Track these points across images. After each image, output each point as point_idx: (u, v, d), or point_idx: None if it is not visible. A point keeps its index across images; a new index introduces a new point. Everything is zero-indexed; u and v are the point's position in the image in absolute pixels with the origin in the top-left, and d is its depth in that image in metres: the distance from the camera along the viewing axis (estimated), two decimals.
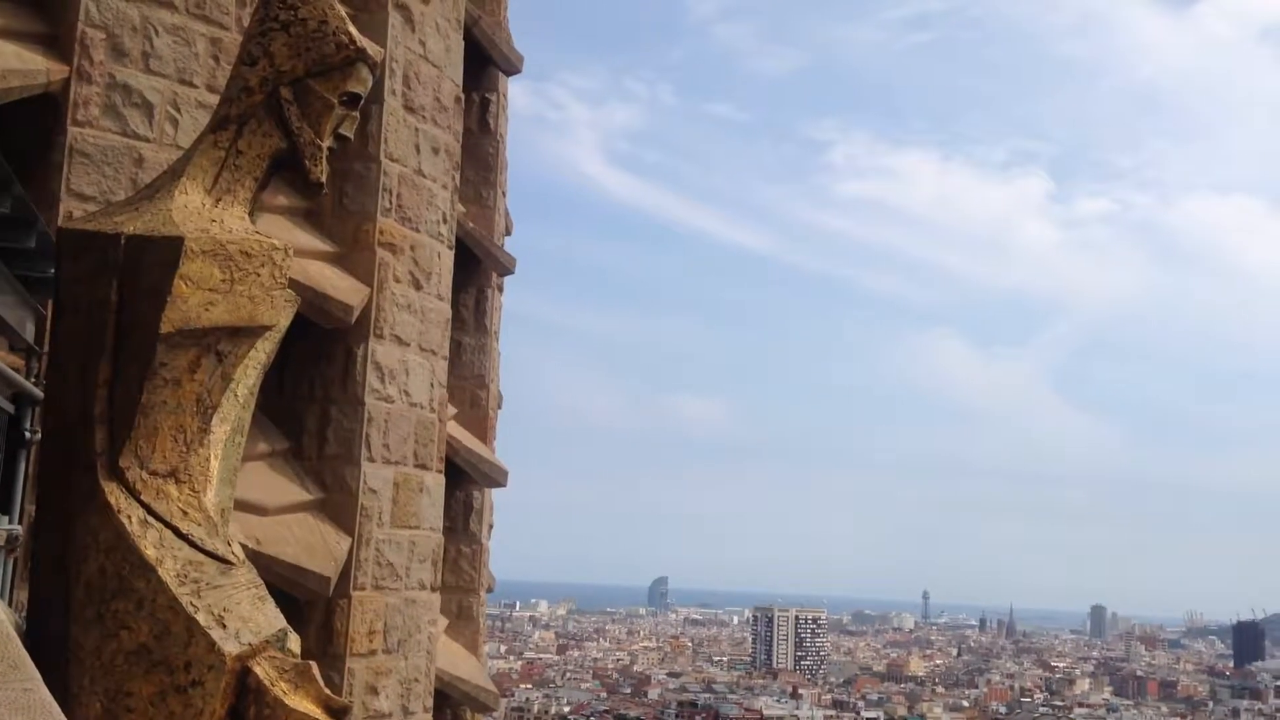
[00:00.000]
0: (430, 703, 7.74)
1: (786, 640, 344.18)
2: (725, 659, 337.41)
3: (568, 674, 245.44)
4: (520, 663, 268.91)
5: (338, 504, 8.05)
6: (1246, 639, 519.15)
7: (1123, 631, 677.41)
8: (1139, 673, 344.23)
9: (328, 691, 3.85)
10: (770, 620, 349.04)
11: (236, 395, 4.26)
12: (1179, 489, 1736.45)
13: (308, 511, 7.96)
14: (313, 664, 3.86)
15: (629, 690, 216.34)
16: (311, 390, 8.35)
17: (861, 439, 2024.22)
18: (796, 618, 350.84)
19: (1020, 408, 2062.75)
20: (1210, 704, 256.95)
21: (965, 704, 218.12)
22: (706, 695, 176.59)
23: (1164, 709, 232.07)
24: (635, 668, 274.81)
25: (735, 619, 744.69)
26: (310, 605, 7.63)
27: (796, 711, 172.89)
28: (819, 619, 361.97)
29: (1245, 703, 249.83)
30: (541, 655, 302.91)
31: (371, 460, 8.08)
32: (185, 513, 4.01)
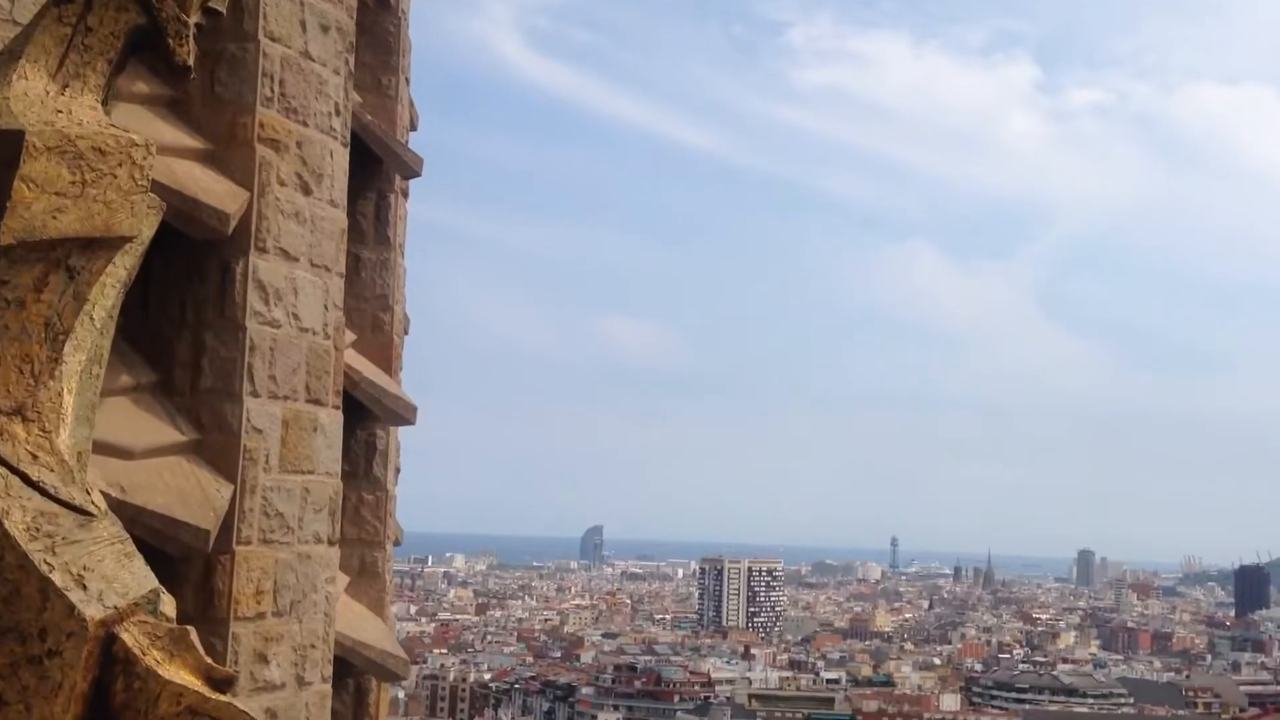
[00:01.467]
0: (329, 671, 7.81)
1: (738, 595, 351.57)
2: (668, 617, 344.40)
3: (488, 637, 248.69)
4: (434, 625, 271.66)
5: (216, 446, 7.98)
6: (1249, 585, 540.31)
7: (1112, 579, 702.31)
8: (1130, 624, 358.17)
9: (209, 660, 3.69)
10: (719, 573, 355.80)
11: (93, 319, 4.08)
12: (1178, 420, 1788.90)
13: (181, 455, 7.89)
14: (190, 629, 3.71)
15: (559, 654, 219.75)
16: (182, 313, 8.21)
17: (822, 368, 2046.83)
18: (749, 570, 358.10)
19: (1002, 331, 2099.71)
20: (1208, 657, 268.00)
21: (937, 661, 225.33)
22: (647, 658, 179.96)
23: (1157, 663, 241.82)
24: (566, 629, 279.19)
25: (680, 572, 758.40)
26: (186, 562, 7.61)
27: (749, 674, 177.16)
28: (774, 571, 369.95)
29: (1247, 655, 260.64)
30: (458, 616, 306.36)
31: (255, 395, 8.00)
32: (35, 456, 3.81)
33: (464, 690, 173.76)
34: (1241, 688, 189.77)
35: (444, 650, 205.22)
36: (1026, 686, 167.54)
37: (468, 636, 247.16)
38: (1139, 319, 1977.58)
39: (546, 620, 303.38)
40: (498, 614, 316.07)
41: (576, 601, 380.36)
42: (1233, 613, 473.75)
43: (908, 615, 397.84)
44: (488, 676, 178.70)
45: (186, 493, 7.68)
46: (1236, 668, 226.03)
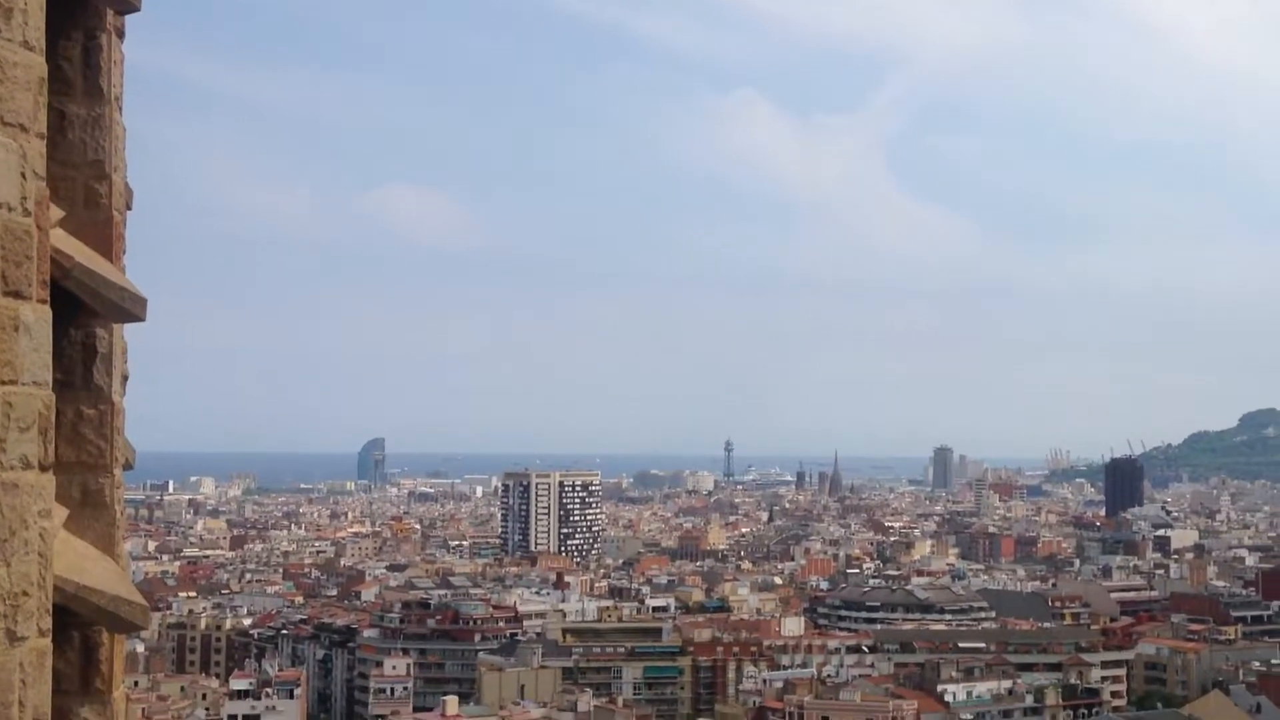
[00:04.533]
0: (48, 623, 7.64)
1: (548, 514, 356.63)
2: (466, 544, 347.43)
3: (248, 575, 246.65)
4: (179, 563, 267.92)
5: None
6: (1121, 480, 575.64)
7: (972, 479, 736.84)
8: (991, 529, 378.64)
9: None
10: (525, 490, 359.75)
11: None
12: (1045, 296, 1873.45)
13: None
14: None
15: (335, 592, 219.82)
16: None
17: (641, 244, 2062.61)
18: (561, 484, 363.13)
19: (847, 196, 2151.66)
20: (1077, 562, 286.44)
21: (778, 581, 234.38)
22: (442, 592, 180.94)
23: (1021, 572, 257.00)
24: (343, 562, 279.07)
25: (479, 490, 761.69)
26: None
27: (562, 605, 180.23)
28: (590, 485, 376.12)
29: (1118, 559, 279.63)
30: (209, 552, 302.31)
31: None
32: None
33: (219, 639, 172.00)
34: (1112, 595, 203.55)
35: (193, 593, 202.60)
36: (878, 604, 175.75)
37: (222, 576, 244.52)
38: (1004, 182, 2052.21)
39: (319, 553, 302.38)
40: (258, 548, 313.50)
41: (355, 529, 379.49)
42: (1103, 512, 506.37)
43: (744, 530, 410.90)
44: (248, 622, 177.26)
45: None
46: (1107, 573, 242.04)
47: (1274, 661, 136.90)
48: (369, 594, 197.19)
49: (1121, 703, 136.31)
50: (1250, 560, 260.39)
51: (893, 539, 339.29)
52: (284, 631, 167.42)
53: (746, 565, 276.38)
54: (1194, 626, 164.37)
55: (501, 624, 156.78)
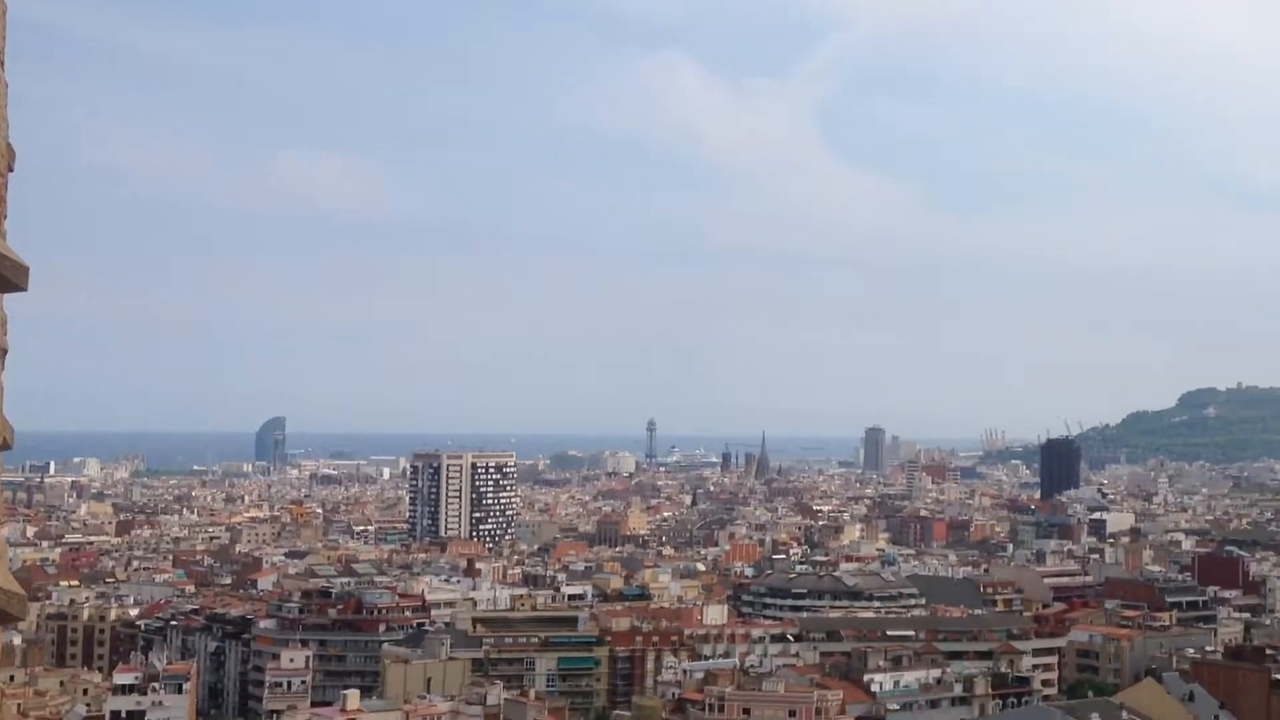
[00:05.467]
0: None
1: (459, 498, 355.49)
2: (371, 529, 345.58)
3: (135, 563, 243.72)
4: (60, 550, 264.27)
5: None
6: (1057, 462, 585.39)
7: (904, 460, 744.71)
8: (923, 512, 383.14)
9: None
10: (436, 471, 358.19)
11: None
12: (980, 267, 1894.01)
13: None
14: None
15: (229, 580, 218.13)
16: None
17: (563, 212, 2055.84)
18: (473, 466, 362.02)
19: (777, 162, 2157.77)
20: (1010, 547, 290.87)
21: (701, 567, 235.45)
22: (345, 580, 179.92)
23: (952, 557, 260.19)
24: (239, 548, 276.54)
25: (385, 473, 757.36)
26: None
27: (473, 593, 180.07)
28: (504, 466, 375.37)
29: (1052, 543, 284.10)
30: (93, 538, 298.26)
31: None
32: None
33: (103, 631, 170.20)
34: (1046, 580, 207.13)
35: (75, 582, 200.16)
36: (804, 591, 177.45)
37: (106, 563, 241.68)
38: (940, 150, 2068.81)
39: (213, 539, 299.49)
40: (146, 533, 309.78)
41: (252, 514, 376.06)
42: (1038, 494, 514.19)
43: (667, 514, 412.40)
44: (135, 613, 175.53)
45: None
46: (1041, 557, 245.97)
47: (1208, 649, 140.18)
48: (266, 582, 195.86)
49: (1052, 691, 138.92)
50: (1187, 545, 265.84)
51: (821, 523, 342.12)
52: (173, 622, 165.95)
53: (668, 551, 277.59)
54: (1128, 613, 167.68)
55: (408, 614, 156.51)
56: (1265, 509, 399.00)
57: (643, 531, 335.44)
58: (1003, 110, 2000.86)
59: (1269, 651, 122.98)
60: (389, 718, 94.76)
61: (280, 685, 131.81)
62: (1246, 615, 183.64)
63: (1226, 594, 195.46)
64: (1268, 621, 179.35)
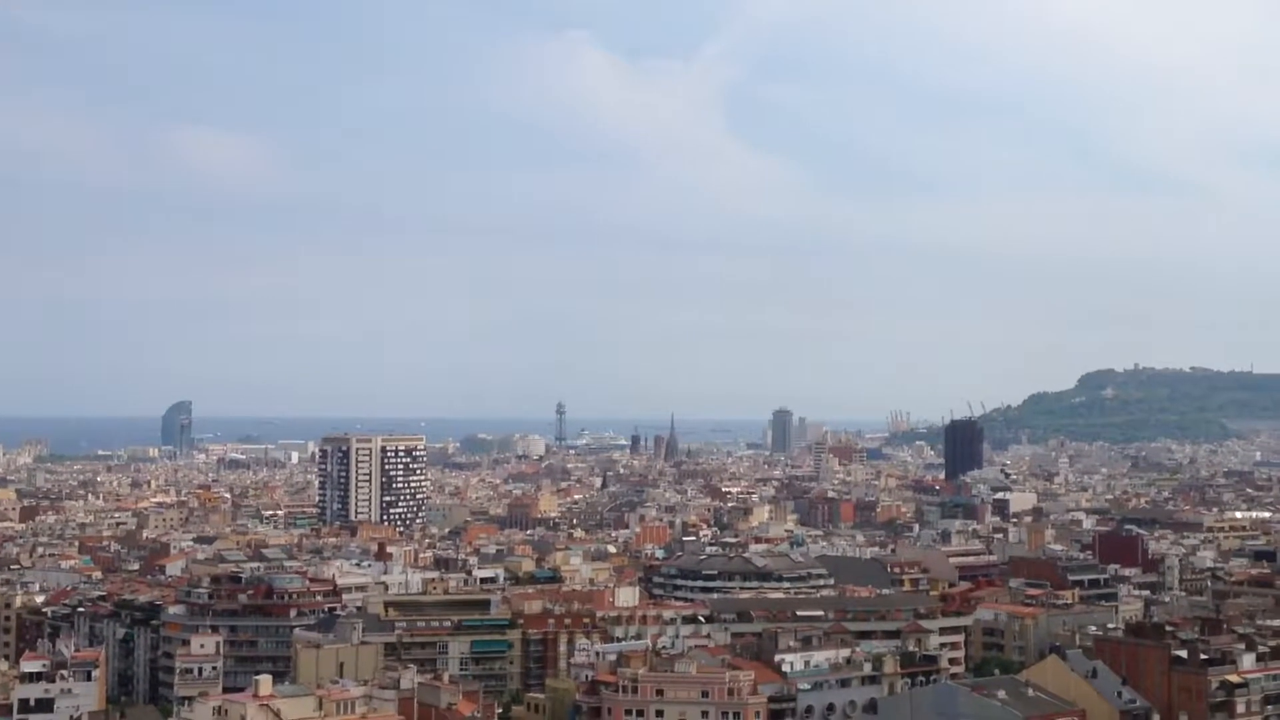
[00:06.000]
0: None
1: (369, 482, 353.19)
2: (281, 514, 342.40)
3: (40, 549, 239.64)
4: None
5: None
6: (961, 443, 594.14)
7: (812, 442, 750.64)
8: (830, 494, 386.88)
9: None
10: (345, 456, 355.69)
11: None
12: (884, 251, 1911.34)
13: None
14: None
15: (137, 566, 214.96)
16: None
17: (468, 194, 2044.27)
18: (383, 450, 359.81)
19: (682, 146, 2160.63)
20: (916, 527, 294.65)
21: (612, 549, 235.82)
22: (254, 565, 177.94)
23: (860, 537, 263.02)
24: (146, 534, 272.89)
25: (294, 457, 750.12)
26: None
27: (384, 577, 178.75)
28: (415, 450, 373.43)
29: (958, 523, 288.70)
30: None
31: None
32: None
33: (8, 618, 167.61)
34: (951, 560, 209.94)
35: None
36: (714, 573, 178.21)
37: (10, 549, 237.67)
38: (841, 134, 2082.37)
39: (119, 525, 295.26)
40: (51, 519, 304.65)
41: (159, 499, 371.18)
42: (943, 475, 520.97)
43: (577, 497, 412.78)
44: (40, 599, 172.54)
45: None
46: (946, 537, 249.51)
47: (1110, 626, 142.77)
48: (174, 568, 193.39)
49: (959, 669, 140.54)
50: (1088, 524, 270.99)
51: (730, 505, 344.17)
52: (80, 609, 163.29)
53: (579, 533, 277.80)
54: (1032, 591, 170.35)
55: (319, 598, 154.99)
56: (1163, 488, 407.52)
57: (553, 514, 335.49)
58: (906, 97, 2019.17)
59: (1168, 628, 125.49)
60: (302, 703, 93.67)
61: (190, 672, 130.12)
62: (1146, 593, 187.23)
63: (1126, 572, 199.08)
64: (1166, 599, 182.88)
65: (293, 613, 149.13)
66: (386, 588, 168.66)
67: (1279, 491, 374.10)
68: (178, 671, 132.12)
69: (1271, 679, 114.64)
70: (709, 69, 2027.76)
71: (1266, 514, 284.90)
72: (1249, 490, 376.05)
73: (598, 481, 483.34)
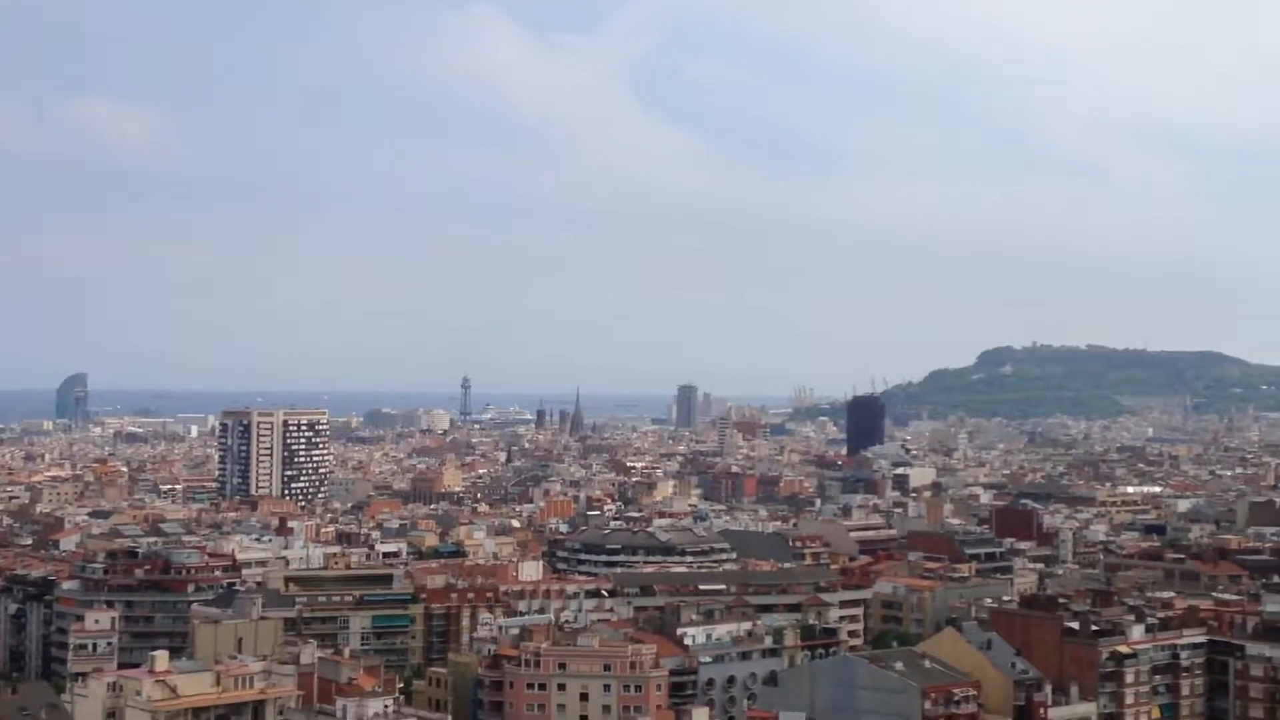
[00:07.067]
0: None
1: (270, 456, 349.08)
2: (179, 488, 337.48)
3: None
4: None
5: None
6: (863, 418, 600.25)
7: (716, 417, 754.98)
8: (734, 469, 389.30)
9: None
10: (246, 429, 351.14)
11: None
12: (790, 227, 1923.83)
13: None
14: None
15: (30, 541, 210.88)
16: None
17: (373, 167, 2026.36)
18: (285, 423, 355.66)
19: (589, 120, 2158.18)
20: (818, 502, 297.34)
21: (516, 524, 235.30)
22: (152, 540, 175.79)
23: (763, 512, 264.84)
24: (40, 508, 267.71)
25: (193, 430, 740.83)
26: None
27: (285, 552, 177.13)
28: (317, 424, 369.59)
29: (859, 497, 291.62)
30: None
31: None
32: None
33: None
34: (852, 534, 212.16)
35: None
36: (618, 547, 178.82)
37: None
38: (751, 109, 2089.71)
39: (12, 499, 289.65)
40: None
41: (53, 472, 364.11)
42: (845, 450, 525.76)
43: (482, 471, 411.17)
44: None
45: None
46: (847, 512, 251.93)
47: (1005, 598, 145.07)
48: (69, 543, 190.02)
49: (858, 641, 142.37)
50: (985, 498, 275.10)
51: (635, 480, 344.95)
52: None
53: (483, 508, 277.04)
54: (930, 565, 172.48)
55: (218, 573, 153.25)
56: (1058, 463, 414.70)
57: (458, 489, 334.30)
58: (815, 75, 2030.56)
59: (1061, 600, 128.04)
60: (199, 679, 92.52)
61: (85, 648, 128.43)
62: (1040, 565, 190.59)
63: (1022, 545, 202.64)
64: (1060, 571, 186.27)
65: (190, 588, 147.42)
66: (287, 563, 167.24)
67: (1169, 467, 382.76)
68: (72, 648, 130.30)
69: (1159, 650, 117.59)
70: (617, 43, 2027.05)
71: (1157, 489, 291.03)
72: (1141, 466, 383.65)
73: (502, 456, 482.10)
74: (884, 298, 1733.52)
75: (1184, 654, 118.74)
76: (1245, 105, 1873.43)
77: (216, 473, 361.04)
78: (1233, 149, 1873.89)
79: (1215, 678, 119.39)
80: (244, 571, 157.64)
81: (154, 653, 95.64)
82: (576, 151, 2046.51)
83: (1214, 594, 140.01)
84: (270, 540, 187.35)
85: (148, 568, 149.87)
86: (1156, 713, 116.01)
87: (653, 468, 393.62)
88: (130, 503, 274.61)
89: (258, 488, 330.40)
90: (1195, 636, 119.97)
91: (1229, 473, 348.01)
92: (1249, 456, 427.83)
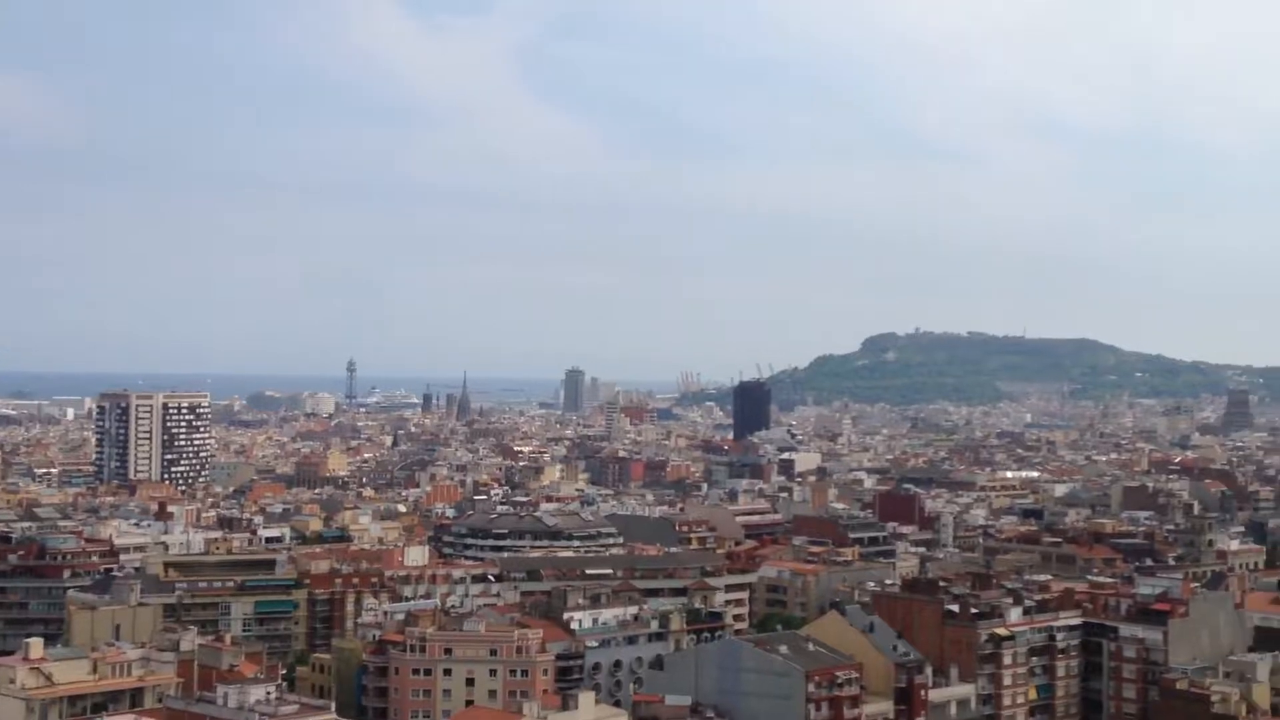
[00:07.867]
0: None
1: (149, 439, 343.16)
2: (55, 472, 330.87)
3: None
4: None
5: None
6: (749, 404, 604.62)
7: (604, 402, 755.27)
8: (621, 453, 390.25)
9: None
10: (124, 412, 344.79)
11: None
12: (680, 212, 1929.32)
13: None
14: None
15: None
16: None
17: (255, 147, 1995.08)
18: (165, 406, 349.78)
19: (475, 103, 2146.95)
20: (705, 487, 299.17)
21: (402, 509, 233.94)
22: (26, 525, 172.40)
23: (650, 496, 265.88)
24: None
25: (69, 413, 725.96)
26: None
27: (165, 537, 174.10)
28: (198, 407, 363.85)
29: (745, 482, 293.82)
30: None
31: None
32: None
33: None
34: (738, 518, 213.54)
35: None
36: (505, 532, 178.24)
37: None
38: (638, 94, 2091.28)
39: None
40: None
41: None
42: (732, 435, 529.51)
43: (367, 456, 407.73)
44: None
45: None
46: (733, 496, 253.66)
47: (888, 582, 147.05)
48: None
49: (743, 625, 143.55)
50: (869, 483, 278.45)
51: (522, 464, 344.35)
52: None
53: (369, 492, 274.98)
54: (814, 549, 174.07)
55: (95, 559, 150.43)
56: (939, 448, 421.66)
57: (342, 473, 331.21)
58: (701, 61, 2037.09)
59: (941, 583, 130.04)
60: (75, 666, 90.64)
61: None
62: (922, 549, 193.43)
63: (904, 529, 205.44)
64: (941, 555, 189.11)
65: (66, 574, 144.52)
66: (167, 548, 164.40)
67: (1047, 452, 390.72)
68: None
69: (1036, 631, 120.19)
70: (502, 26, 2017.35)
71: (1035, 474, 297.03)
72: (1019, 451, 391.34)
73: (388, 440, 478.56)
74: (769, 284, 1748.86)
75: (1060, 636, 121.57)
76: (1117, 98, 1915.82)
77: (94, 456, 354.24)
78: (1105, 141, 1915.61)
79: (1090, 659, 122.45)
80: (122, 557, 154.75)
81: (28, 640, 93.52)
82: (461, 134, 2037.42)
83: (1089, 577, 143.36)
84: (149, 525, 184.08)
85: (22, 553, 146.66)
86: (1033, 693, 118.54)
87: (540, 452, 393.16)
88: (3, 486, 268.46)
89: (136, 472, 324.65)
90: (1071, 619, 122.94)
91: (1104, 458, 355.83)
92: (1123, 442, 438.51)
